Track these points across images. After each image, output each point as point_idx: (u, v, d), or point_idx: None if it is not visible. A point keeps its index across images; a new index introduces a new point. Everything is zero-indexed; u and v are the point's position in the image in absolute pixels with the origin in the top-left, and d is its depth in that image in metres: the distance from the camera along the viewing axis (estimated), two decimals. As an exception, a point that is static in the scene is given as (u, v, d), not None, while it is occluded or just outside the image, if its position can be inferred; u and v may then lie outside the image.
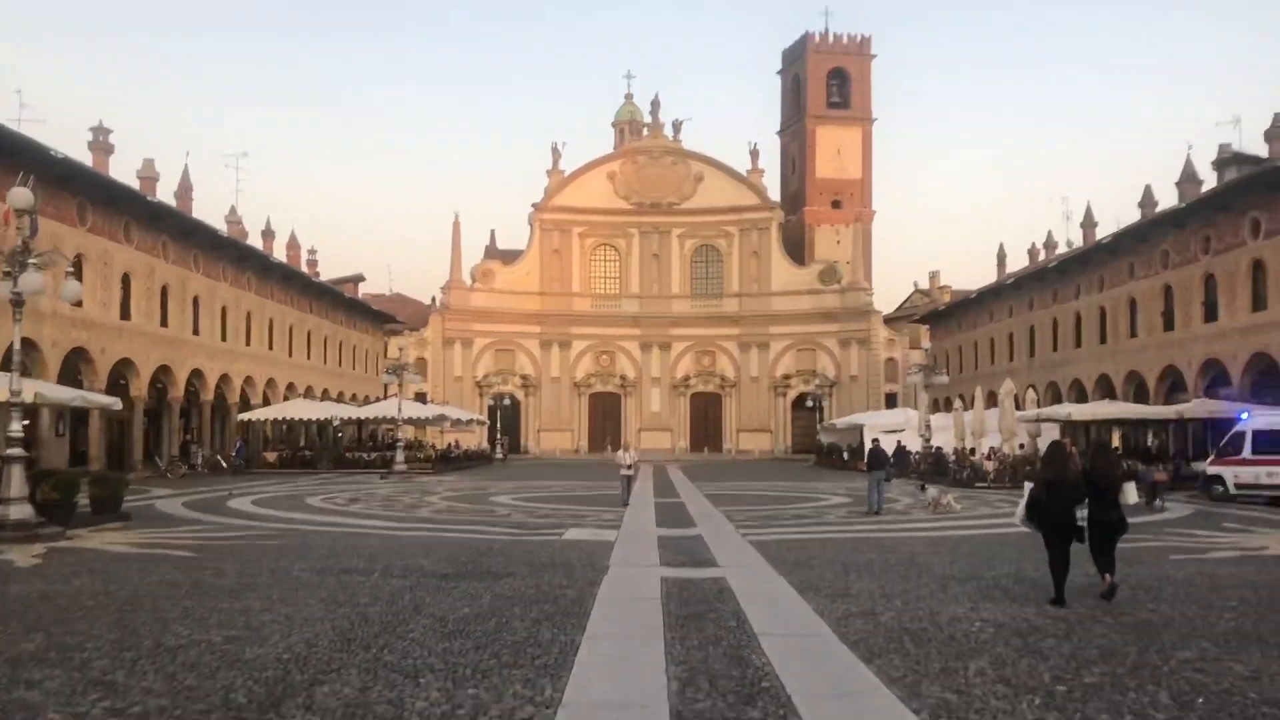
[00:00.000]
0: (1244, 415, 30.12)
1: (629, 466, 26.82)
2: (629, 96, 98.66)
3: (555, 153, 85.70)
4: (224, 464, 46.93)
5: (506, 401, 78.62)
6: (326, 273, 73.20)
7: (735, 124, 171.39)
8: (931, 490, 26.77)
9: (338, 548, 16.76)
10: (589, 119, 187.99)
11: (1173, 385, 45.49)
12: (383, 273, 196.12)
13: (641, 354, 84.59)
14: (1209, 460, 30.26)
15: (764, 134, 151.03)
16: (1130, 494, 13.21)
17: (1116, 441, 43.66)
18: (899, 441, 46.12)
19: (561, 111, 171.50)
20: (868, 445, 53.72)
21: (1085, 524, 11.30)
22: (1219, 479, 28.87)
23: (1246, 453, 28.11)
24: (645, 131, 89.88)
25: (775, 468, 57.68)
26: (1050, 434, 45.47)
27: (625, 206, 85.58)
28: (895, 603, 11.17)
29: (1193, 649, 8.68)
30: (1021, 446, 40.41)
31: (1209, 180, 47.74)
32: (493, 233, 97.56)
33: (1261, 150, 43.63)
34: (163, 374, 45.41)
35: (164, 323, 44.95)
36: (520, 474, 47.48)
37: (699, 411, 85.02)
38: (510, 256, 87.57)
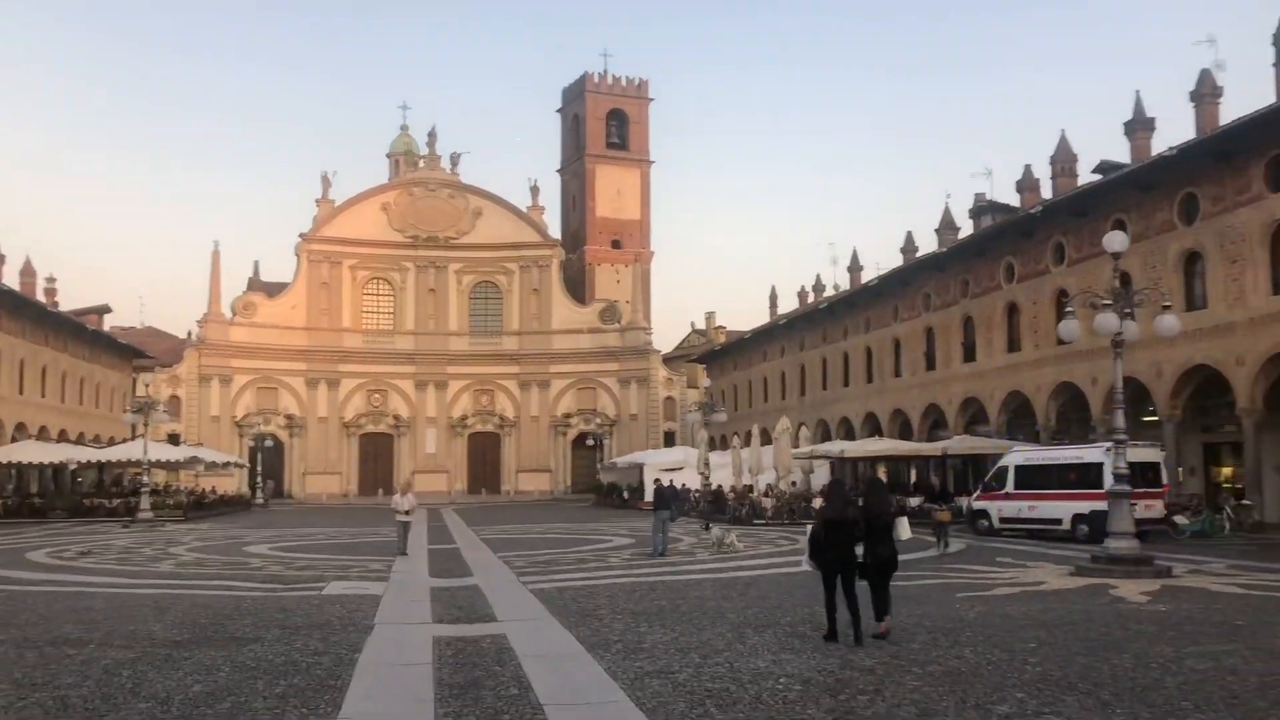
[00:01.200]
0: (1005, 452, 31.39)
1: (406, 511, 24.31)
2: (404, 128, 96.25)
3: (325, 182, 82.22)
4: (-66, 514, 41.48)
5: (269, 443, 73.96)
6: (69, 303, 67.02)
7: (515, 160, 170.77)
8: (715, 530, 26.31)
9: (52, 612, 14.37)
10: (362, 149, 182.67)
11: (935, 422, 47.50)
12: (133, 304, 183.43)
13: (416, 392, 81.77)
14: (974, 495, 31.30)
15: (544, 172, 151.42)
16: (903, 530, 13.06)
17: (885, 476, 44.94)
18: (670, 480, 46.01)
19: (333, 141, 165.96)
20: (649, 484, 53.65)
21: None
22: (984, 513, 29.84)
23: (1009, 487, 29.17)
24: (422, 164, 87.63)
25: (556, 509, 56.56)
26: (823, 470, 46.62)
27: (400, 239, 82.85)
28: (692, 657, 10.21)
29: (1009, 701, 8.10)
30: (794, 484, 41.02)
31: (966, 227, 50.51)
32: (256, 264, 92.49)
33: (1013, 200, 46.44)
34: None
35: None
36: (282, 521, 44.32)
37: (477, 452, 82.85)
38: (275, 289, 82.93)
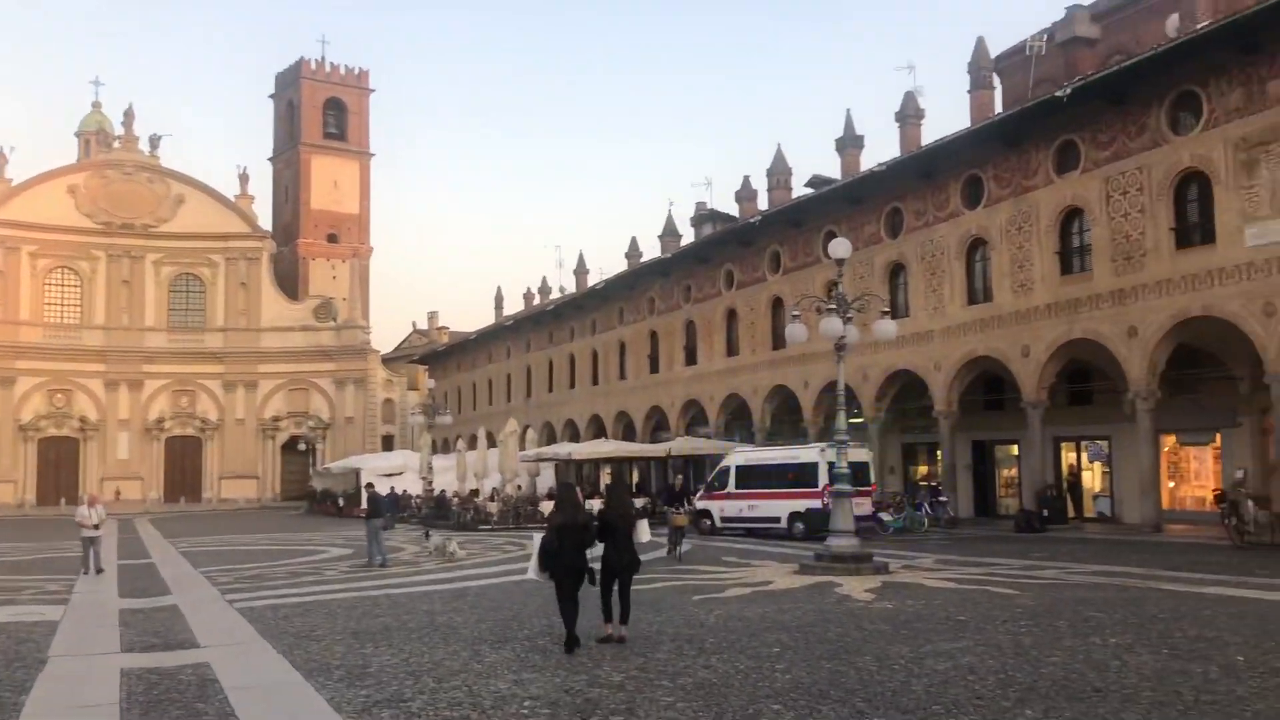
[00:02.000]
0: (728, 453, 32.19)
1: (95, 525, 21.34)
2: (97, 104, 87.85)
3: (1, 157, 73.84)
4: None
5: (-73, 448, 65.50)
6: None
7: (224, 147, 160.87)
8: (435, 537, 25.12)
9: None
10: (46, 126, 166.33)
11: (657, 424, 48.37)
12: None
13: (107, 393, 74.76)
14: (698, 495, 31.86)
15: (255, 161, 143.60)
16: (643, 532, 13.00)
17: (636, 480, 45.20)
18: (392, 486, 44.41)
19: (10, 113, 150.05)
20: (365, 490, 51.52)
21: (598, 565, 11.11)
22: (707, 513, 30.41)
23: (731, 487, 29.86)
24: (117, 144, 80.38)
25: (264, 517, 53.13)
26: (549, 474, 46.31)
27: (90, 225, 75.51)
28: (426, 681, 9.31)
29: (766, 714, 7.77)
30: (520, 488, 40.47)
31: (688, 235, 51.83)
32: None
33: (733, 209, 48.04)
34: None
35: None
36: (-60, 536, 38.97)
37: (175, 457, 76.72)
38: (-60, 277, 73.58)
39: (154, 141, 79.45)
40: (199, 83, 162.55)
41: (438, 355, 78.81)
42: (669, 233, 52.94)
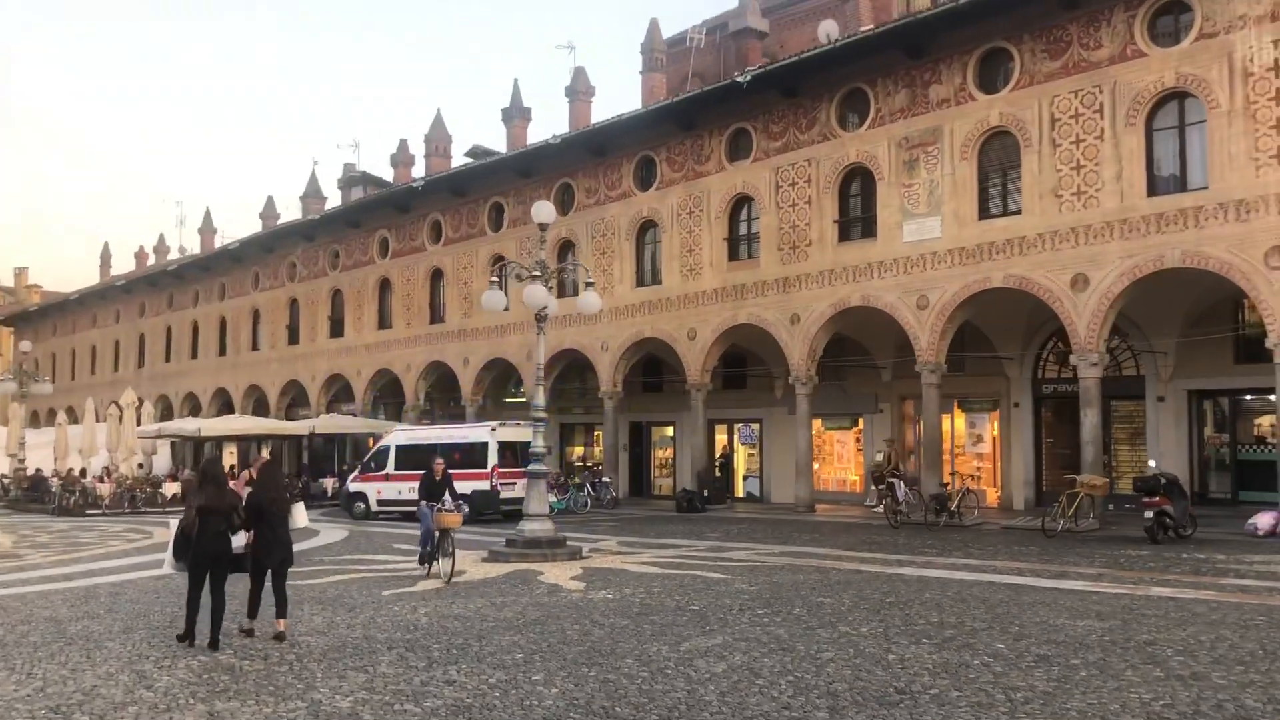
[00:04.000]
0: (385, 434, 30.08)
1: None
2: None
3: None
4: None
5: None
6: None
7: None
8: None
9: None
10: None
11: (294, 400, 44.90)
12: None
13: None
14: (352, 477, 29.52)
15: None
16: (300, 517, 12.10)
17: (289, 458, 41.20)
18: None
19: None
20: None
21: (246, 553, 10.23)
22: (361, 496, 28.20)
23: (390, 468, 27.86)
24: None
25: None
26: (165, 453, 41.53)
27: None
28: (79, 718, 7.07)
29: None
30: (140, 466, 35.86)
31: (334, 198, 48.55)
32: None
33: (387, 173, 45.50)
34: None
35: None
36: None
37: None
38: None
39: None
40: None
41: (27, 316, 69.03)
42: (312, 194, 49.35)
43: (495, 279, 19.35)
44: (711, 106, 28.14)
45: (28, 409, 43.73)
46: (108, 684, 8.13)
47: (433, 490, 15.89)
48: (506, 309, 19.75)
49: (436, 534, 14.73)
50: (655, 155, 30.22)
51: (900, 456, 27.88)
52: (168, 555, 10.36)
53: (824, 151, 25.89)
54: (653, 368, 33.67)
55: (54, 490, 33.16)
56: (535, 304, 16.83)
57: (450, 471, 26.25)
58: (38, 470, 36.98)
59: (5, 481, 37.82)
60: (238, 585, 10.43)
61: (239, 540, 10.16)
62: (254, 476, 17.17)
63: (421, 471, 26.82)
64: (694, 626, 10.29)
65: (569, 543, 17.33)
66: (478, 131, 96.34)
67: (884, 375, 28.38)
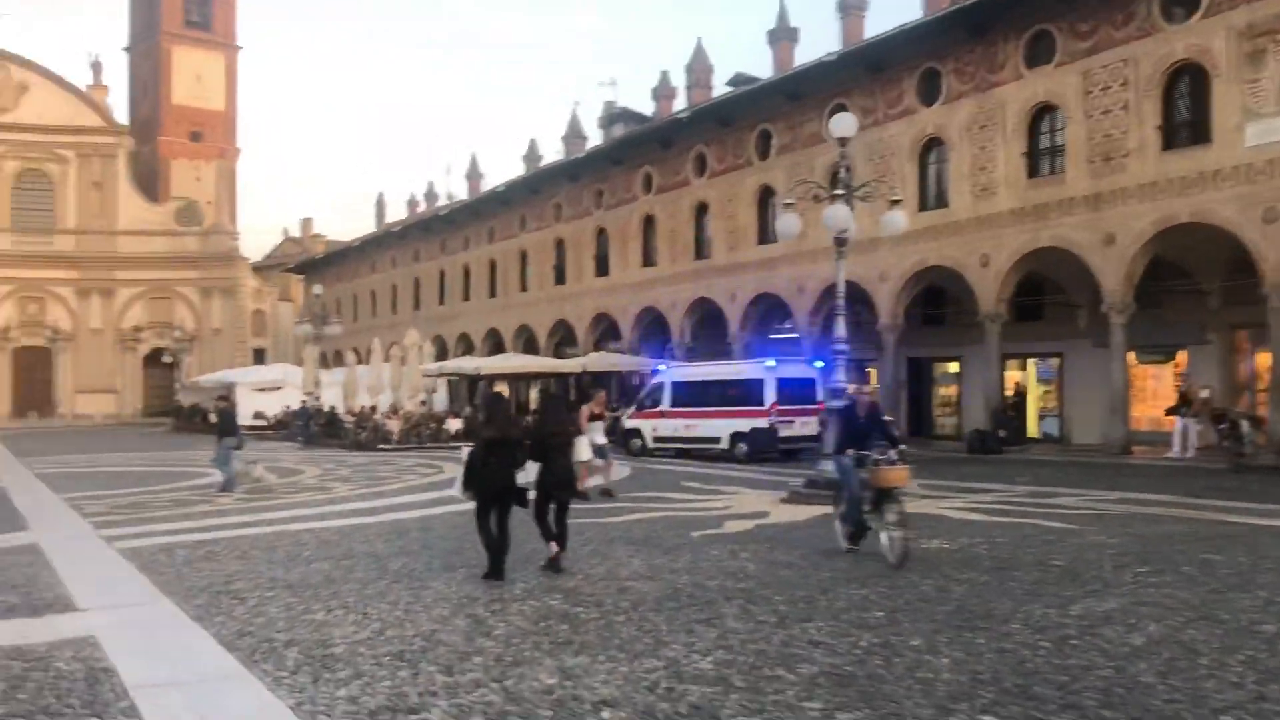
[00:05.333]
0: (660, 368, 29.60)
1: None
2: (-77, -23, 78.81)
3: None
4: None
5: None
6: None
7: (75, 34, 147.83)
8: (238, 464, 20.27)
9: None
10: None
11: (562, 339, 45.53)
12: None
13: (-56, 299, 67.92)
14: (628, 413, 29.29)
15: (111, 50, 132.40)
16: (583, 450, 12.32)
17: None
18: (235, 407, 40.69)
19: None
20: (244, 406, 47.41)
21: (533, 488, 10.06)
22: (637, 432, 27.92)
23: (665, 405, 27.39)
24: (-52, 21, 72.08)
25: (127, 435, 48.50)
26: (444, 391, 43.19)
27: (-82, 112, 67.81)
28: (428, 671, 6.50)
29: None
30: (423, 404, 37.27)
31: (595, 137, 48.55)
32: None
33: (648, 108, 44.94)
34: None
35: None
36: None
37: (24, 369, 70.38)
38: None
39: (-10, 19, 71.40)
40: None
41: (314, 264, 73.85)
42: (574, 134, 49.60)
43: (790, 201, 18.01)
44: (1007, 8, 25.57)
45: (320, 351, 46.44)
46: (445, 629, 7.61)
47: (855, 434, 11.05)
48: (845, 230, 18.09)
49: (868, 496, 10.54)
50: (940, 67, 27.93)
51: (1211, 396, 24.73)
52: (457, 482, 10.52)
53: (1144, 49, 22.94)
54: (933, 299, 31.58)
55: (348, 426, 34.91)
56: (837, 226, 15.48)
57: (725, 409, 25.86)
58: (331, 408, 39.08)
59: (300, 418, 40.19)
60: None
61: (529, 475, 9.97)
62: (596, 411, 17.02)
63: (702, 407, 26.24)
64: (1071, 585, 8.84)
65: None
66: (740, 60, 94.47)
67: (1210, 302, 25.20)
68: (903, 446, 11.22)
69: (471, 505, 10.03)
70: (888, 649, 6.77)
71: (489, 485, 9.73)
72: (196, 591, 9.23)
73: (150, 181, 78.41)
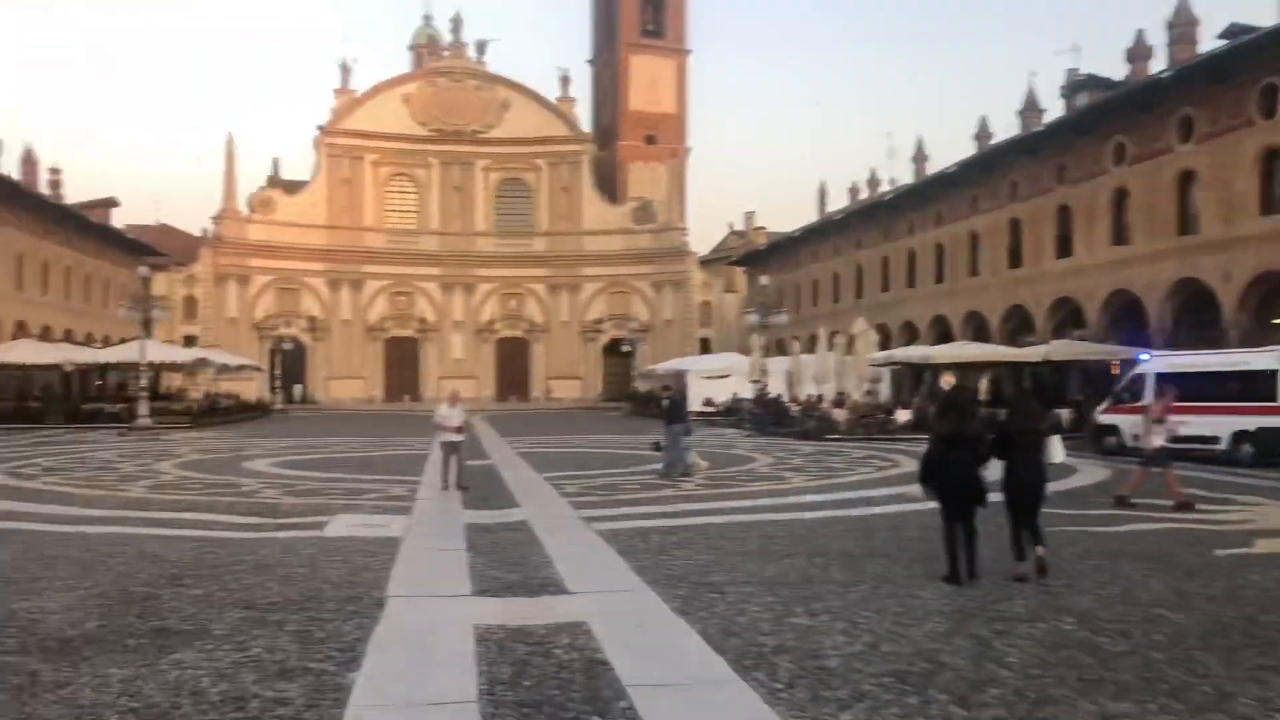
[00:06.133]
0: (1143, 357, 26.60)
1: (457, 428, 17.48)
2: (428, 18, 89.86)
3: (345, 70, 76.79)
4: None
5: (289, 346, 70.11)
6: (75, 198, 62.63)
7: (544, 51, 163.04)
8: (691, 454, 20.29)
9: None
10: (383, 41, 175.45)
11: (1016, 327, 42.70)
12: (148, 202, 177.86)
13: (443, 295, 77.38)
14: (1102, 408, 26.62)
15: (575, 62, 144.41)
16: (1056, 451, 10.98)
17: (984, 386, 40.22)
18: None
19: (352, 31, 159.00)
20: (694, 393, 49.34)
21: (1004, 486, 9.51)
22: (1113, 429, 25.24)
23: (1149, 400, 24.46)
24: (446, 52, 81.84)
25: (590, 418, 52.36)
26: (887, 381, 42.10)
27: (424, 133, 77.64)
28: (938, 697, 5.75)
29: None
30: (869, 393, 36.50)
31: (1053, 109, 45.06)
32: (275, 161, 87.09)
33: (1117, 72, 40.90)
34: None
35: None
36: (299, 429, 40.29)
37: (505, 357, 78.73)
38: (295, 189, 77.96)
39: (480, 47, 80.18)
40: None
41: (757, 256, 75.48)
42: (1030, 107, 46.30)
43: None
44: None
45: (766, 340, 47.16)
46: (947, 649, 6.82)
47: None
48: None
49: None
50: None
51: None
52: (915, 482, 9.97)
53: None
54: None
55: (794, 415, 34.97)
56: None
57: (1225, 404, 22.58)
58: (777, 396, 39.45)
59: (748, 405, 40.95)
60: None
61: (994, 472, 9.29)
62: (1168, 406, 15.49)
63: (1195, 402, 23.22)
64: None
65: None
66: (1233, 9, 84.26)
67: None
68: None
69: (934, 504, 9.51)
70: None
71: (948, 483, 9.26)
72: (675, 581, 9.16)
73: (610, 184, 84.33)
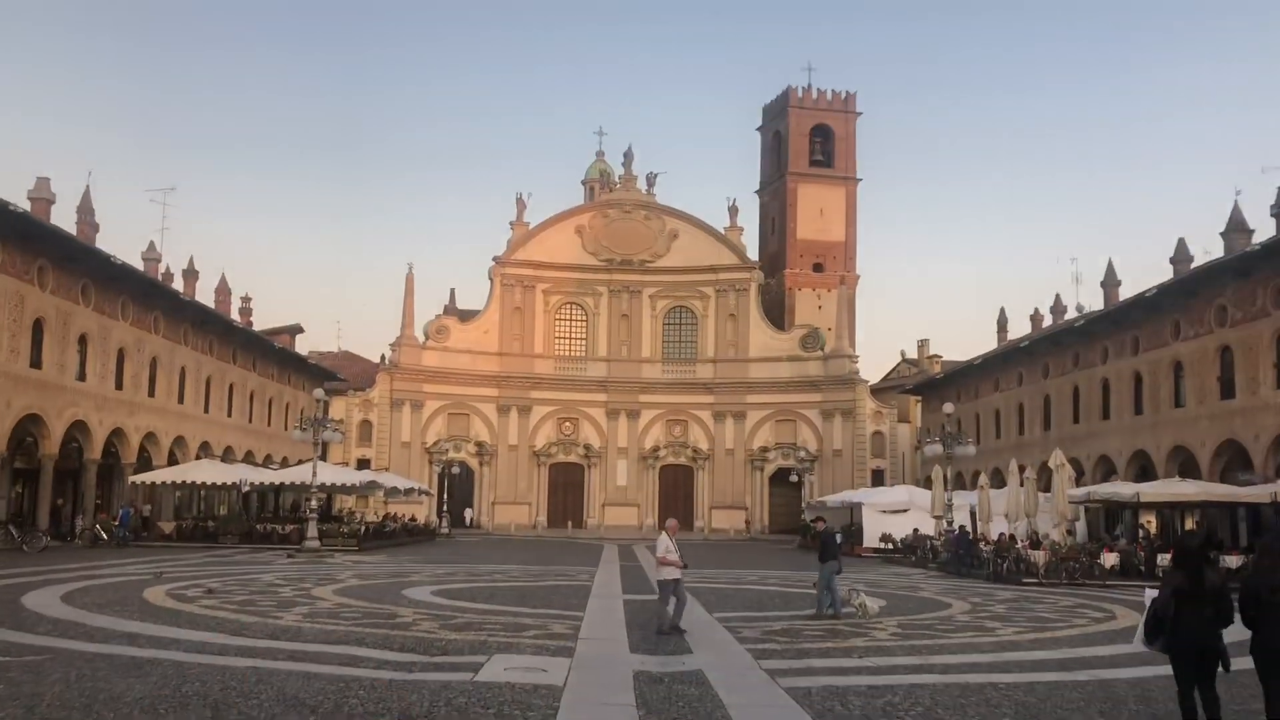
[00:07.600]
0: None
1: (683, 564, 16.00)
2: (600, 154, 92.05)
3: (520, 203, 79.02)
4: (104, 535, 38.93)
5: (457, 470, 70.79)
6: (262, 324, 65.77)
7: (712, 182, 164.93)
8: (860, 596, 18.91)
9: (62, 697, 9.27)
10: (557, 177, 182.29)
11: (1229, 462, 38.84)
12: (330, 329, 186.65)
13: (608, 421, 77.13)
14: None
15: (742, 193, 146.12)
16: None
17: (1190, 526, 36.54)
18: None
19: (528, 169, 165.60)
20: (868, 527, 46.62)
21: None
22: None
23: None
24: (617, 184, 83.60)
25: (758, 550, 50.24)
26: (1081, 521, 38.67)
27: (594, 263, 78.83)
28: None
29: None
30: (1069, 533, 33.36)
31: (1263, 229, 41.81)
32: (453, 291, 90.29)
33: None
34: (31, 424, 37.55)
35: (35, 362, 37.18)
36: (463, 554, 39.76)
37: (669, 485, 77.35)
38: (470, 317, 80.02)
39: (650, 179, 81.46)
40: (690, 121, 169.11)
41: (932, 385, 72.64)
42: (1236, 228, 43.13)
43: None
44: None
45: (927, 473, 44.46)
46: None
47: None
48: None
49: None
50: None
51: None
52: (1138, 633, 8.91)
53: None
54: None
55: (985, 555, 32.22)
56: None
57: None
58: (965, 531, 36.65)
59: (931, 543, 38.22)
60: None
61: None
62: None
63: None
64: None
65: None
66: None
67: None
68: None
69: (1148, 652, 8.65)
70: None
71: (1180, 643, 8.34)
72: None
73: (777, 311, 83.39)
